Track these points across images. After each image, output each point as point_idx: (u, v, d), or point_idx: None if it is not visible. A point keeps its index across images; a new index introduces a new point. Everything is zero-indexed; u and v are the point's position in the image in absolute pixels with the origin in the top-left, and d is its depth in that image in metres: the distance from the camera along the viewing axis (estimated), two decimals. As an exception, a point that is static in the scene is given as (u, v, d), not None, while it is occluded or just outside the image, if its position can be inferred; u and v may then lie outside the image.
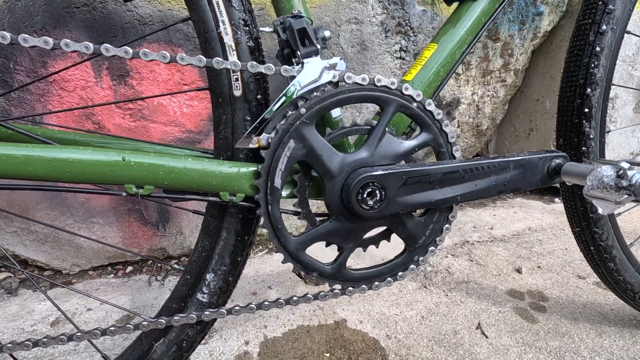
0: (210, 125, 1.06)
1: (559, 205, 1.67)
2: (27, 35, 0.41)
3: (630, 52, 1.49)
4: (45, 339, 0.48)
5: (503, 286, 1.07)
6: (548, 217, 1.55)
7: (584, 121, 0.67)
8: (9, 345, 0.47)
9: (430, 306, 0.99)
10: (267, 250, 1.24)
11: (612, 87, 0.68)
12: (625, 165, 0.42)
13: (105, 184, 0.44)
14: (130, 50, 0.44)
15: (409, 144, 0.52)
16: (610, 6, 0.63)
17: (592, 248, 0.75)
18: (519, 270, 1.14)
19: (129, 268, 1.16)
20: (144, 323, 0.51)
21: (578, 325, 0.92)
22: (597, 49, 0.64)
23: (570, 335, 0.89)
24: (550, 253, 1.25)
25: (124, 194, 0.45)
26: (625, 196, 0.42)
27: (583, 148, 0.68)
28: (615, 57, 0.66)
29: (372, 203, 0.49)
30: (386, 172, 0.49)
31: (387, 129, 0.51)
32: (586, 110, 0.67)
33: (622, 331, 0.90)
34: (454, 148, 0.53)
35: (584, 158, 0.69)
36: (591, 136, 0.67)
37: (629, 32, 0.68)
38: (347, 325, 0.92)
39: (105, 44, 0.43)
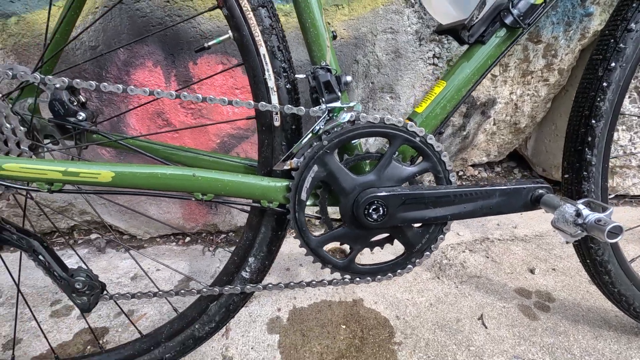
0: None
1: (593, 208, 1.66)
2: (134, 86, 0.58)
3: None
4: (138, 293, 0.69)
5: (513, 284, 1.16)
6: (578, 219, 1.56)
7: (586, 149, 0.73)
8: (116, 295, 0.69)
9: (440, 295, 1.11)
10: (301, 232, 1.42)
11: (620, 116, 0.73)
12: (582, 206, 0.51)
13: (181, 192, 0.62)
14: (200, 96, 0.60)
15: (411, 169, 0.64)
16: (621, 45, 0.68)
17: (588, 261, 0.83)
18: (532, 271, 1.22)
19: (187, 238, 1.40)
20: (204, 290, 0.70)
21: (577, 327, 1.00)
22: (604, 84, 0.69)
23: (567, 334, 0.97)
24: (569, 257, 1.30)
25: (193, 199, 0.62)
26: (579, 231, 0.51)
27: (584, 173, 0.75)
28: (624, 91, 0.70)
29: (376, 217, 0.62)
30: (388, 193, 0.62)
31: (393, 157, 0.63)
32: (589, 139, 0.73)
33: (620, 337, 0.97)
34: (450, 174, 0.64)
35: (584, 182, 0.75)
36: (592, 163, 0.74)
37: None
38: (363, 304, 1.07)
39: (184, 92, 0.59)
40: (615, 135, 1.53)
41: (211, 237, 1.39)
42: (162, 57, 1.09)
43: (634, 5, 0.67)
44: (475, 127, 1.61)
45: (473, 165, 1.96)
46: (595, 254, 0.80)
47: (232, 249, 1.17)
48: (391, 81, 1.23)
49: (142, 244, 1.37)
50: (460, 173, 1.92)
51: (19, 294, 0.76)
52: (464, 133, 1.58)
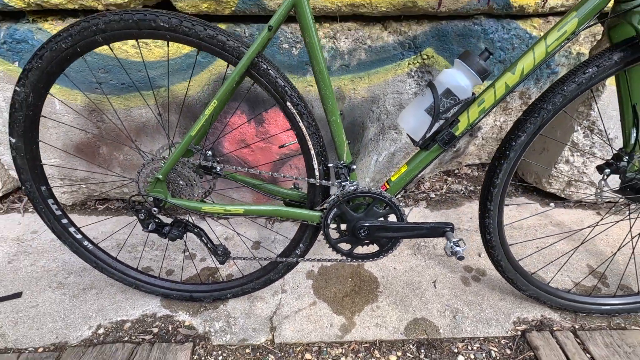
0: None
1: (551, 211, 2.18)
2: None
3: None
4: (246, 258, 1.41)
5: (463, 263, 1.80)
6: (535, 218, 2.11)
7: (488, 202, 1.32)
8: (236, 258, 1.42)
9: (413, 265, 1.78)
10: (329, 214, 2.10)
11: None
12: (452, 244, 1.12)
13: (268, 217, 1.30)
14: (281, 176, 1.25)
15: (383, 212, 1.27)
16: (503, 163, 1.23)
17: (490, 258, 1.45)
18: (479, 255, 1.84)
19: (255, 214, 2.12)
20: (277, 258, 1.41)
21: (492, 292, 1.64)
22: (498, 171, 1.26)
23: (483, 296, 1.62)
24: (511, 247, 1.89)
25: (277, 219, 1.30)
26: (452, 255, 1.13)
27: (486, 214, 1.34)
28: (511, 174, 1.27)
29: (363, 235, 1.28)
30: (370, 224, 1.26)
31: (375, 206, 1.26)
32: (490, 197, 1.31)
33: (516, 300, 1.60)
34: (405, 217, 1.27)
35: (486, 219, 1.35)
36: (491, 209, 1.33)
37: (515, 174, 1.27)
38: (363, 267, 1.77)
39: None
40: (572, 159, 2.01)
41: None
42: (246, 108, 1.71)
43: (501, 163, 1.21)
44: (465, 144, 2.14)
45: (467, 165, 2.49)
46: (493, 254, 1.42)
47: (291, 234, 1.87)
48: (396, 123, 1.79)
49: (225, 217, 2.11)
50: (456, 171, 2.46)
51: (197, 236, 1.51)
52: (454, 149, 2.11)
